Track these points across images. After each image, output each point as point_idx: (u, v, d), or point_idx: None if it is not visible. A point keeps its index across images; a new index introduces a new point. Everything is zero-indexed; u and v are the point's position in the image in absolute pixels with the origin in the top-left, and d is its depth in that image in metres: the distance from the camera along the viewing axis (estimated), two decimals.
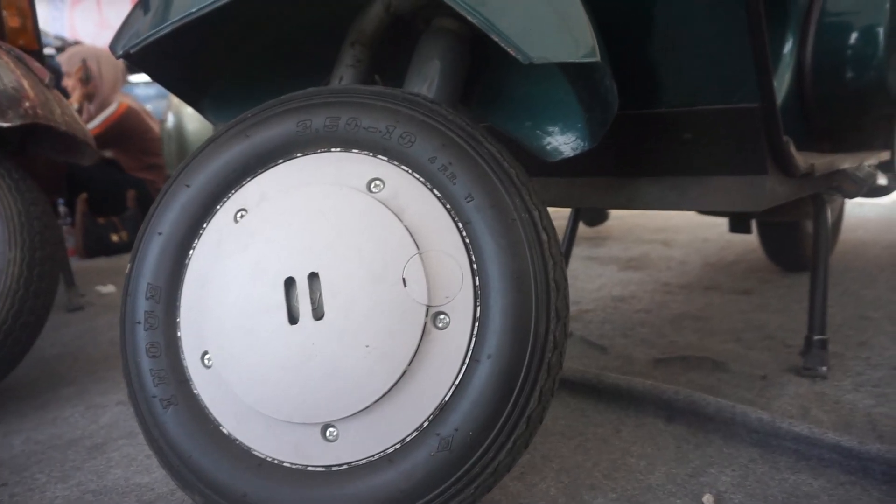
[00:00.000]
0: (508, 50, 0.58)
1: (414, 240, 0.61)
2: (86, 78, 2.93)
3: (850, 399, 0.90)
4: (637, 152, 0.83)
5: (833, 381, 0.97)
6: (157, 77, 0.82)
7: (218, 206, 0.68)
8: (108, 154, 3.06)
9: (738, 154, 0.77)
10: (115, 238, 2.94)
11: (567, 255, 1.36)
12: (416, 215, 0.62)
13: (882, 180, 1.18)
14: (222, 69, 0.86)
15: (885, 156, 1.20)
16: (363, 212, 0.62)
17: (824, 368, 0.98)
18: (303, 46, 0.88)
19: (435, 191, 0.62)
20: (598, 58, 0.59)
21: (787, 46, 1.20)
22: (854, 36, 1.22)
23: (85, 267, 2.60)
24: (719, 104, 0.75)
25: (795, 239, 1.60)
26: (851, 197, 1.00)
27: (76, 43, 4.29)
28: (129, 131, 2.97)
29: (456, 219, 0.61)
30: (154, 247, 0.69)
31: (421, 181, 0.63)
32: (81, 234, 2.84)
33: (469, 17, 0.58)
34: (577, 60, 0.59)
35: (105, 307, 1.79)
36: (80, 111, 2.99)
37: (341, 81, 0.80)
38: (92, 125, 2.92)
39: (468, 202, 0.61)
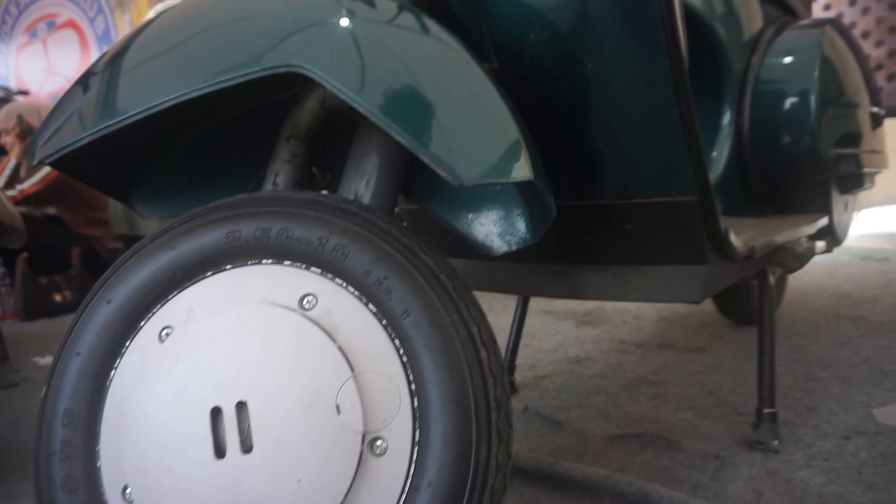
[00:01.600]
0: (438, 171, 0.56)
1: (348, 361, 0.58)
2: (23, 134, 2.84)
3: (802, 477, 0.90)
4: (581, 241, 0.83)
5: (785, 455, 0.97)
6: (81, 177, 0.78)
7: (142, 323, 0.64)
8: (50, 210, 2.95)
9: (679, 245, 0.77)
10: (58, 298, 2.82)
11: (515, 345, 1.34)
12: (351, 334, 0.59)
13: (821, 244, 1.21)
14: (152, 164, 0.83)
15: (823, 221, 1.24)
16: (294, 333, 0.59)
17: (776, 442, 0.98)
18: (237, 139, 0.86)
19: (370, 306, 0.60)
20: (531, 176, 0.59)
21: (726, 118, 1.24)
22: (788, 103, 1.26)
23: (24, 333, 2.48)
24: (657, 197, 0.75)
25: (745, 294, 1.62)
26: (792, 272, 1.02)
27: (22, 92, 4.17)
28: (72, 186, 2.87)
29: (393, 336, 0.59)
30: (72, 368, 0.64)
31: (356, 296, 0.61)
32: (22, 296, 2.71)
33: (395, 136, 0.57)
34: (509, 181, 0.58)
35: (43, 383, 1.69)
36: (18, 168, 2.89)
37: (277, 178, 0.78)
38: (32, 181, 2.82)
39: (405, 318, 0.59)
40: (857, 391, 1.20)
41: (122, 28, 4.95)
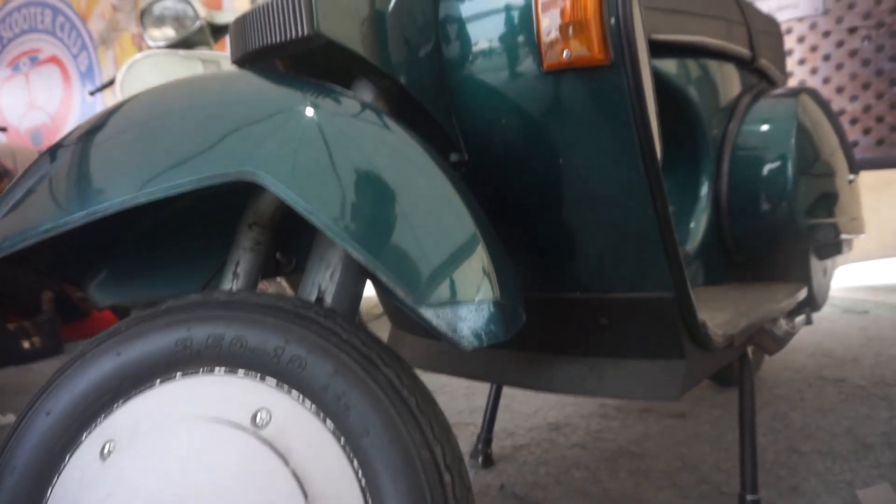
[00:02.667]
0: (396, 291, 0.53)
1: (302, 486, 0.54)
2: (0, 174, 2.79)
3: None
4: (556, 332, 0.80)
5: None
6: (34, 270, 0.74)
7: (83, 436, 0.60)
8: None
9: (655, 339, 0.75)
10: (26, 345, 2.73)
11: (493, 414, 1.30)
12: (306, 455, 0.55)
13: (801, 320, 1.19)
14: (106, 250, 0.80)
15: (803, 293, 1.22)
16: (244, 456, 0.55)
17: None
18: (199, 221, 0.83)
19: (328, 423, 0.56)
20: (496, 297, 0.56)
21: (704, 188, 1.23)
22: (765, 171, 1.26)
23: None
24: (632, 292, 0.73)
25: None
26: (773, 354, 1.00)
27: (0, 129, 4.12)
28: None
29: (351, 457, 0.55)
30: (6, 486, 0.59)
31: (312, 411, 0.57)
32: None
33: (352, 253, 0.54)
34: (473, 302, 0.55)
35: None
36: None
37: (238, 267, 0.75)
38: None
39: (364, 438, 0.55)
40: (840, 468, 1.17)
41: (105, 65, 4.94)
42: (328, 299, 0.69)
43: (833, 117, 1.41)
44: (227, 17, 1.99)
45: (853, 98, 2.47)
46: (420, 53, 0.67)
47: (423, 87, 0.68)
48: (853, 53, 2.44)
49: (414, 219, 0.55)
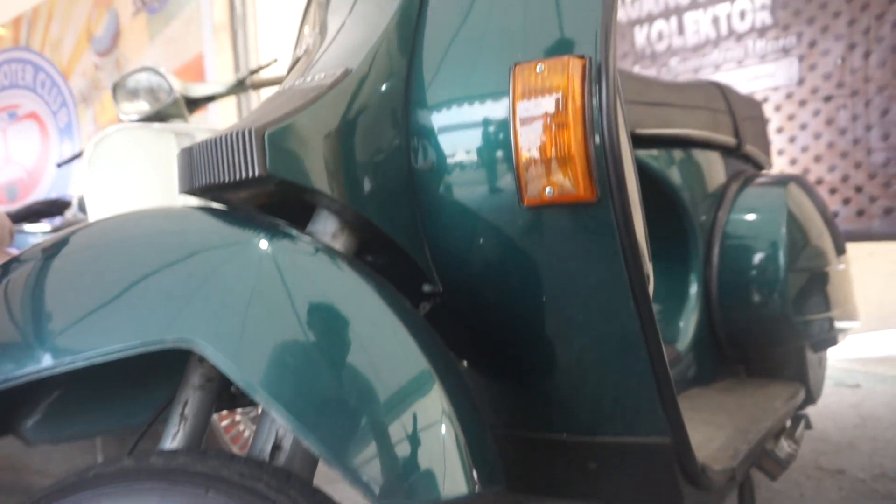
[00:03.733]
0: (356, 489, 0.46)
1: None
2: None
3: None
4: (543, 474, 0.72)
5: None
6: None
7: None
8: None
9: (649, 486, 0.68)
10: None
11: None
12: None
13: (801, 431, 1.12)
14: (41, 391, 0.71)
15: (801, 395, 1.16)
16: None
17: None
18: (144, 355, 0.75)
19: None
20: (466, 491, 0.49)
21: (693, 287, 1.18)
22: (756, 264, 1.21)
23: None
24: (624, 436, 0.66)
25: None
26: (776, 478, 0.93)
27: None
28: None
29: None
30: None
31: None
32: None
33: (306, 443, 0.47)
34: (441, 499, 0.48)
35: None
36: None
37: (185, 408, 0.66)
38: None
39: None
40: None
41: (85, 122, 4.89)
42: (286, 446, 0.61)
43: (820, 204, 1.38)
44: (203, 90, 1.95)
45: (832, 167, 2.48)
46: (388, 182, 0.61)
47: (391, 217, 0.62)
48: (830, 122, 2.46)
49: (373, 400, 0.48)
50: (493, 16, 0.60)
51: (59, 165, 2.16)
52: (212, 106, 2.51)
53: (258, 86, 2.00)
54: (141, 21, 4.36)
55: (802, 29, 2.44)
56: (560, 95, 0.55)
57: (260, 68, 1.97)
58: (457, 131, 0.59)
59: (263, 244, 0.54)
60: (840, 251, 1.40)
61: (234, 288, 0.51)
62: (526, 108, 0.56)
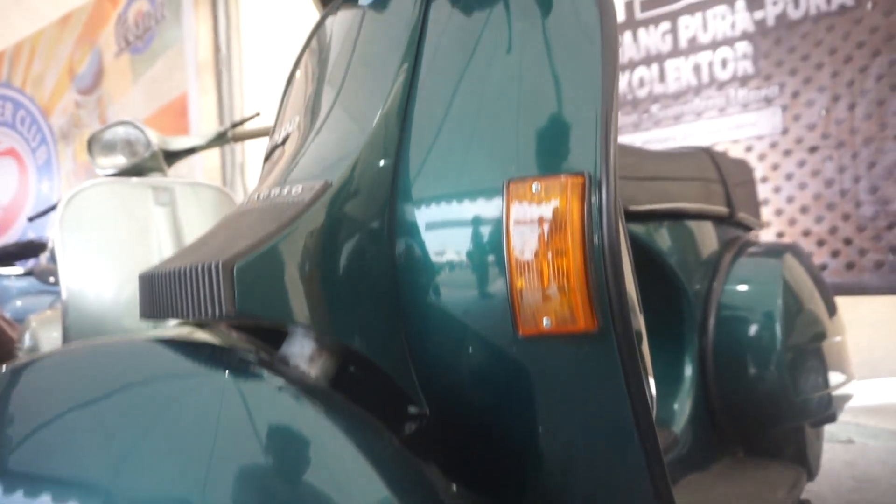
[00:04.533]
0: None
1: None
2: None
3: None
4: None
5: None
6: None
7: None
8: None
9: None
10: None
11: None
12: None
13: None
14: None
15: (803, 481, 1.11)
16: None
17: None
18: None
19: None
20: None
21: (689, 367, 1.14)
22: (752, 339, 1.18)
23: None
24: None
25: None
26: None
27: None
28: None
29: None
30: None
31: None
32: None
33: None
34: None
35: None
36: None
37: None
38: None
39: None
40: None
41: (64, 160, 4.82)
42: None
43: (816, 275, 1.35)
44: (183, 143, 1.90)
45: (819, 219, 2.47)
46: (371, 306, 0.56)
47: (375, 342, 0.56)
48: (816, 173, 2.47)
49: None
50: (484, 125, 0.56)
51: (31, 220, 2.09)
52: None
53: (240, 138, 1.96)
54: (124, 60, 4.33)
55: (785, 79, 2.46)
56: (558, 219, 0.50)
57: (243, 121, 1.93)
58: (446, 254, 0.54)
59: (228, 384, 0.48)
60: (837, 324, 1.37)
61: (192, 437, 0.45)
62: (520, 232, 0.51)
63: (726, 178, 1.30)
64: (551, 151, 0.53)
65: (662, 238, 1.14)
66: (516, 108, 0.56)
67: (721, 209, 1.27)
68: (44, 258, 3.90)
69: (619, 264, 0.51)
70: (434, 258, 0.55)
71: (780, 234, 2.59)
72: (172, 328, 1.72)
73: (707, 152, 1.30)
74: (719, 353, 1.17)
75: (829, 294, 1.39)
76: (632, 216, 1.07)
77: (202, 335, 1.79)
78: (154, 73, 4.12)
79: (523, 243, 0.51)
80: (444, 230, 0.55)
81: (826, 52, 2.36)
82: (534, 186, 0.51)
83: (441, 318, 0.56)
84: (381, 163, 0.57)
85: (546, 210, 0.51)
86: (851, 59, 2.31)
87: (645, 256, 1.12)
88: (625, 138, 2.84)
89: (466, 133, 0.57)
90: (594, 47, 0.56)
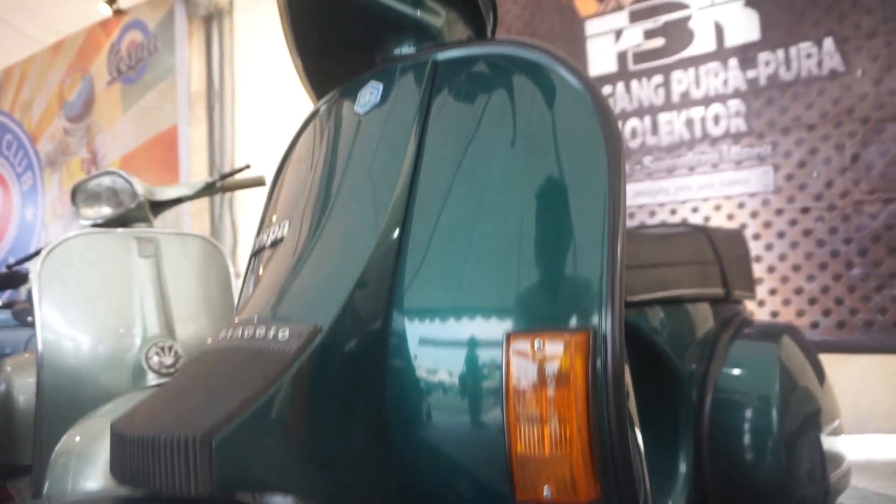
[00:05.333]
0: None
1: None
2: None
3: None
4: None
5: None
6: None
7: None
8: None
9: None
10: None
11: None
12: None
13: None
14: None
15: None
16: None
17: None
18: None
19: None
20: None
21: (684, 452, 1.11)
22: (748, 416, 1.15)
23: None
24: None
25: None
26: None
27: None
28: None
29: None
30: None
31: None
32: None
33: None
34: None
35: None
36: None
37: None
38: None
39: None
40: None
41: (50, 187, 4.75)
42: None
43: (813, 358, 1.33)
44: (170, 193, 1.87)
45: (810, 278, 2.47)
46: (360, 464, 0.53)
47: (357, 494, 0.53)
48: (807, 233, 2.47)
49: None
50: (483, 266, 0.53)
51: (10, 267, 2.04)
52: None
53: (229, 189, 1.92)
54: (116, 90, 4.30)
55: (777, 139, 2.48)
56: (560, 380, 0.47)
57: (232, 172, 1.90)
58: (444, 411, 0.51)
59: None
60: (833, 405, 1.35)
61: None
62: (521, 392, 0.48)
63: (722, 258, 1.29)
64: (553, 301, 0.50)
65: (658, 323, 1.12)
66: (517, 247, 0.53)
67: (717, 291, 1.25)
68: (25, 290, 3.82)
69: (624, 429, 0.48)
70: (429, 417, 0.52)
71: (773, 291, 2.59)
72: (152, 387, 1.65)
73: (703, 232, 1.29)
74: (715, 440, 1.14)
75: (825, 376, 1.37)
76: (628, 305, 1.04)
77: None
78: (145, 103, 4.09)
79: (524, 405, 0.48)
80: (440, 382, 0.51)
81: (817, 115, 2.38)
82: (535, 343, 0.48)
83: (436, 479, 0.52)
84: (374, 302, 0.54)
85: (548, 369, 0.48)
86: (842, 124, 2.34)
87: (639, 340, 1.10)
88: None
89: (465, 271, 0.54)
90: (599, 181, 0.53)
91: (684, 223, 1.32)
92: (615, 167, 0.52)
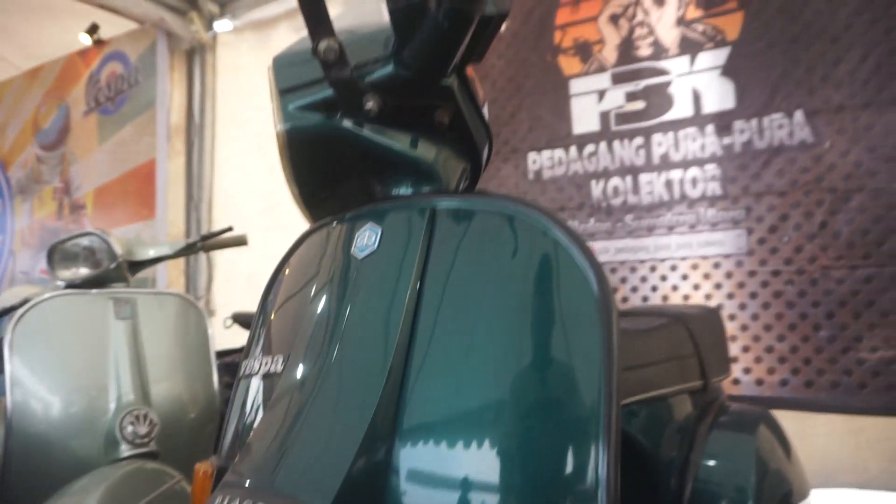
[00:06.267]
0: None
1: None
2: None
3: None
4: None
5: None
6: None
7: None
8: None
9: None
10: None
11: None
12: None
13: None
14: None
15: None
16: None
17: None
18: None
19: None
20: None
21: None
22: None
23: None
24: None
25: None
26: None
27: None
28: None
29: None
30: None
31: None
32: None
33: None
34: None
35: None
36: None
37: None
38: None
39: None
40: None
41: (20, 215, 4.64)
42: None
43: (787, 444, 1.36)
44: (149, 252, 1.85)
45: (781, 337, 2.53)
46: None
47: None
48: (778, 294, 2.54)
49: None
50: (479, 443, 0.54)
51: None
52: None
53: (209, 248, 1.91)
54: (93, 120, 4.24)
55: (751, 203, 2.55)
56: None
57: (212, 235, 1.89)
58: None
59: None
60: (805, 487, 1.38)
61: None
62: None
63: (700, 349, 1.32)
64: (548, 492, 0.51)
65: (638, 420, 1.14)
66: (513, 427, 0.54)
67: (696, 383, 1.28)
68: None
69: None
70: None
71: (746, 349, 2.65)
72: (125, 459, 1.62)
73: (683, 324, 1.32)
74: None
75: (797, 459, 1.41)
76: None
77: (153, 465, 1.68)
78: (123, 135, 4.04)
79: None
80: None
81: (788, 183, 2.47)
82: None
83: None
84: (375, 475, 0.54)
85: None
86: (811, 192, 2.42)
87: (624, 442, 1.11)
88: (598, 244, 2.89)
89: (462, 438, 0.55)
90: (594, 353, 0.55)
91: (663, 312, 1.35)
92: (609, 348, 0.54)
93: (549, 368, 0.56)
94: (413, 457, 0.56)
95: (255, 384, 0.72)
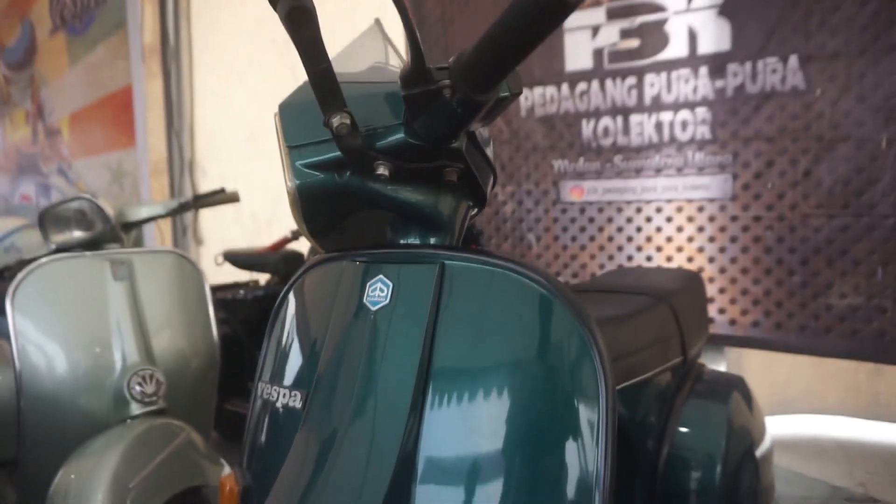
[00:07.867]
0: None
1: None
2: None
3: None
4: None
5: None
6: None
7: None
8: None
9: None
10: None
11: None
12: None
13: None
14: None
15: None
16: None
17: None
18: None
19: None
20: None
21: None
22: (697, 474, 1.29)
23: None
24: None
25: None
26: None
27: None
28: None
29: None
30: None
31: None
32: None
33: None
34: None
35: None
36: None
37: None
38: None
39: None
40: None
41: None
42: None
43: (756, 408, 1.47)
44: (141, 213, 1.85)
45: (756, 281, 2.64)
46: None
47: None
48: (757, 240, 2.62)
49: None
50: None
51: None
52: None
53: (202, 206, 1.91)
54: (60, 40, 4.02)
55: (738, 149, 2.57)
56: None
57: (205, 195, 1.88)
58: None
59: None
60: (768, 442, 1.51)
61: None
62: None
63: (683, 328, 1.39)
64: None
65: (620, 399, 1.23)
66: (524, 482, 0.60)
67: (677, 360, 1.36)
68: None
69: None
70: None
71: (723, 290, 2.75)
72: (135, 418, 1.70)
73: (667, 304, 1.38)
74: (667, 494, 1.28)
75: (759, 410, 1.53)
76: None
77: (162, 421, 1.76)
78: (95, 58, 3.85)
79: None
80: None
81: (776, 129, 2.47)
82: None
83: None
84: None
85: None
86: (798, 140, 2.44)
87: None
88: (587, 184, 2.91)
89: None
90: (594, 412, 0.61)
91: (648, 289, 1.41)
92: (605, 379, 0.60)
93: (552, 411, 0.62)
94: (432, 494, 0.63)
95: (276, 414, 0.77)
